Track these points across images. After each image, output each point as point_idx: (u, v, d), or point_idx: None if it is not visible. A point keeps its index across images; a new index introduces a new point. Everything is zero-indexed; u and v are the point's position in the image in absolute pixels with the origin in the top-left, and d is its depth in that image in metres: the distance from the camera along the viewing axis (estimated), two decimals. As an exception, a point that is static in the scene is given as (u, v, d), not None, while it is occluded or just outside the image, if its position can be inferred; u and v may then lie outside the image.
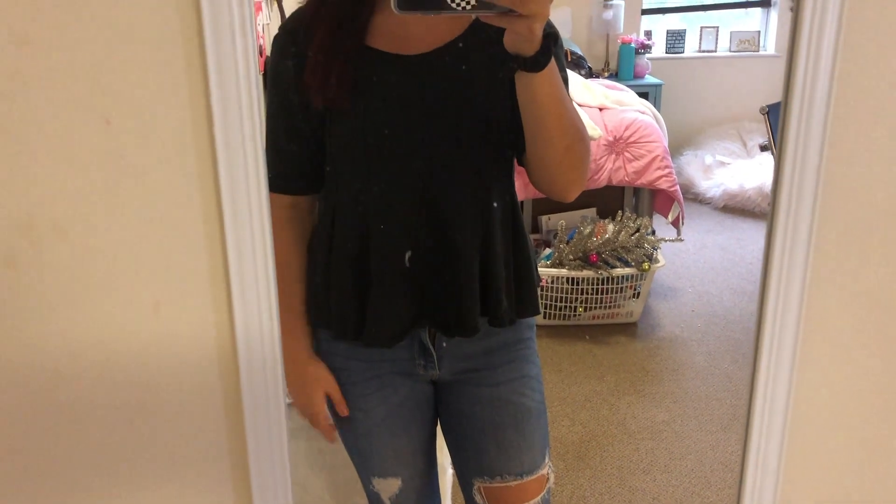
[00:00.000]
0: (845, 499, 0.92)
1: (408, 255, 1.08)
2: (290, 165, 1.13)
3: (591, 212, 3.12)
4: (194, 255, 0.80)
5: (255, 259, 0.81)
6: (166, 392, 0.84)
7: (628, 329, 2.91)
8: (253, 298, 0.82)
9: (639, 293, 2.86)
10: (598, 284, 2.81)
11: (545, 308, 2.84)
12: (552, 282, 2.81)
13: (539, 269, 2.55)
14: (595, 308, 2.87)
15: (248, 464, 0.87)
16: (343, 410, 1.18)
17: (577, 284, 2.82)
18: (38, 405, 0.82)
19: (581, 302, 2.85)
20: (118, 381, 0.83)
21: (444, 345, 1.16)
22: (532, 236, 3.17)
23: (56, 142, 0.76)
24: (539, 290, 2.83)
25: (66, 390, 0.82)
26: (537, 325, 1.24)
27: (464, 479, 1.24)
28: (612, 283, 2.81)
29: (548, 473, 1.22)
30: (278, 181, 1.12)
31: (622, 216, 2.84)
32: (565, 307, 2.85)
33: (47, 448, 0.84)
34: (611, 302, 2.86)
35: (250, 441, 0.87)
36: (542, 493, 1.21)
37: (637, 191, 3.21)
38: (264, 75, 1.18)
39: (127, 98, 0.76)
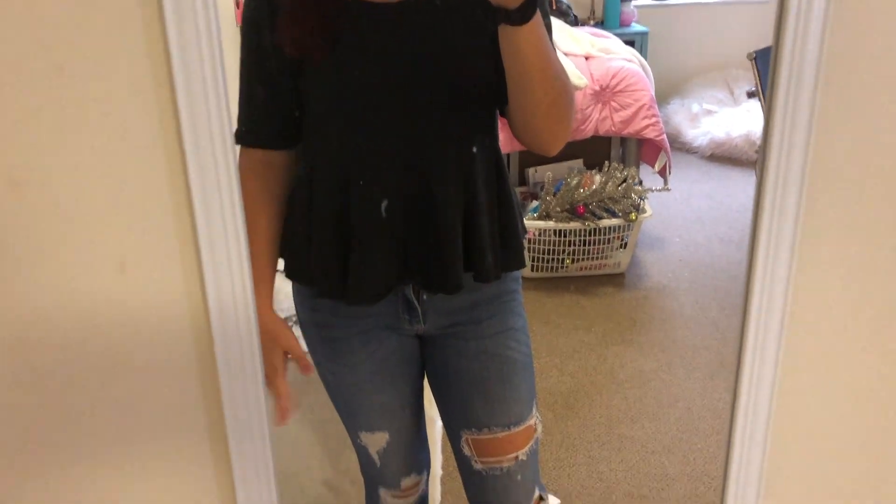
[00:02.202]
0: (835, 444, 0.93)
1: (384, 204, 1.06)
2: (261, 115, 1.09)
3: (578, 163, 3.10)
4: (159, 211, 0.77)
5: (223, 212, 0.78)
6: (138, 356, 0.82)
7: (616, 280, 2.91)
8: (223, 255, 0.80)
9: (626, 244, 2.86)
10: (585, 236, 2.80)
11: (533, 261, 2.83)
12: (539, 234, 2.80)
13: (526, 221, 2.54)
14: (582, 259, 2.87)
15: (227, 433, 0.86)
16: (306, 368, 1.16)
17: (565, 236, 2.81)
18: (2, 369, 0.80)
19: (568, 254, 2.84)
20: (87, 343, 0.81)
21: (429, 300, 1.15)
22: (518, 189, 3.15)
23: (7, 91, 0.72)
24: (526, 242, 2.82)
25: (33, 353, 0.80)
26: (524, 279, 1.23)
27: (451, 431, 1.24)
28: (600, 235, 2.80)
29: (535, 424, 1.22)
30: (250, 135, 1.09)
31: (609, 167, 2.82)
32: (552, 259, 2.85)
33: (17, 411, 0.83)
34: (598, 253, 2.86)
35: (227, 410, 0.85)
36: (529, 444, 1.21)
37: (624, 141, 3.19)
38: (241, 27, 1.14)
39: (81, 44, 0.72)
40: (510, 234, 1.13)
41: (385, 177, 1.06)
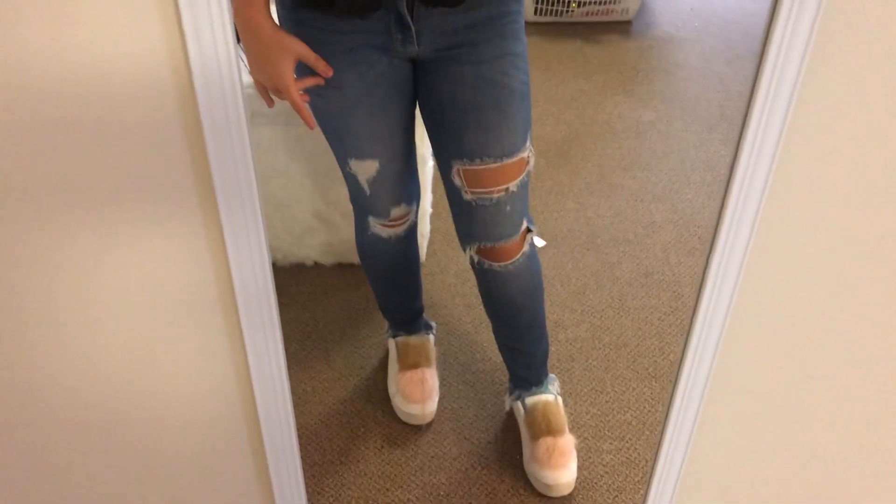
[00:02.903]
0: (836, 202, 0.90)
1: None
2: None
3: None
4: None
5: None
6: (121, 118, 0.77)
7: (622, 27, 2.78)
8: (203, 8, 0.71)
9: (637, -12, 2.69)
10: (594, -23, 2.63)
11: (536, 2, 2.68)
12: (546, -27, 2.62)
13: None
14: (590, 3, 2.72)
15: (215, 191, 0.82)
16: (323, 69, 1.10)
17: (572, -24, 2.63)
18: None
19: (575, -4, 2.69)
20: (70, 106, 0.75)
21: (424, 17, 1.07)
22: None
23: None
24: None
25: (34, 100, 0.75)
26: (528, 23, 1.15)
27: (442, 162, 1.22)
28: (610, -24, 2.63)
29: (528, 157, 1.19)
30: None
31: None
32: (558, 2, 2.69)
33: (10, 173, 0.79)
34: (606, -3, 2.70)
35: (213, 162, 0.80)
36: (521, 176, 1.19)
37: None
38: None
39: None
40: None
41: None
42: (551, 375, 1.53)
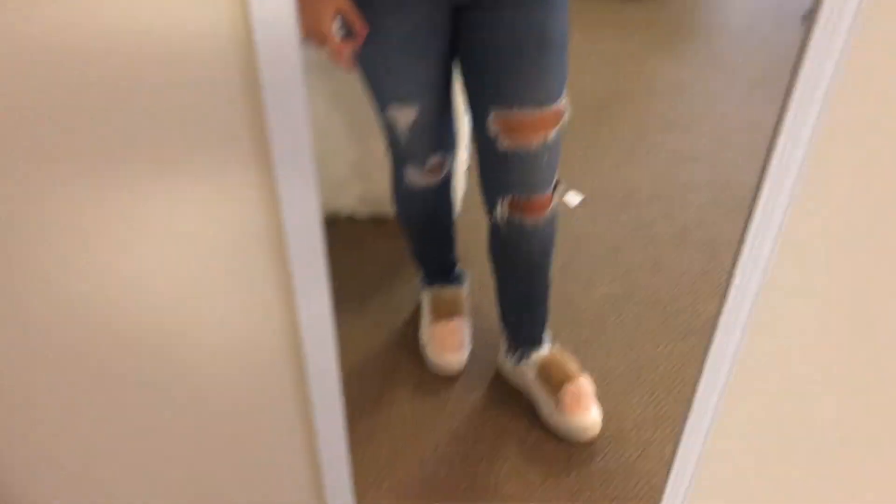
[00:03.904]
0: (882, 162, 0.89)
1: None
2: None
3: None
4: None
5: None
6: (177, 61, 0.78)
7: (666, -15, 2.73)
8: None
9: (682, -55, 2.64)
10: (639, -68, 2.58)
11: (579, -42, 2.63)
12: (589, -72, 2.57)
13: None
14: (633, -40, 2.67)
15: (269, 138, 0.83)
16: (359, 27, 1.11)
17: (617, -68, 2.59)
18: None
19: (618, -48, 2.64)
20: (123, 58, 0.76)
21: None
22: None
23: None
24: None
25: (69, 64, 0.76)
26: None
27: (478, 110, 1.22)
28: (655, -68, 2.58)
29: (564, 109, 1.19)
30: None
31: None
32: (601, -42, 2.65)
33: (54, 119, 0.80)
34: (651, -46, 2.65)
35: (270, 113, 0.81)
36: (556, 127, 1.19)
37: None
38: None
39: None
40: None
41: None
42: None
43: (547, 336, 1.52)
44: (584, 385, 1.46)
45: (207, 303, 0.99)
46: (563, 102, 1.18)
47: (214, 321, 1.01)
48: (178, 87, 0.81)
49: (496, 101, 1.17)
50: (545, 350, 1.50)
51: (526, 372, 1.50)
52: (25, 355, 1.03)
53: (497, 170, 1.26)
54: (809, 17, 0.78)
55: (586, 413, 1.43)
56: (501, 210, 1.29)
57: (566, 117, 1.20)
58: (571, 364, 1.48)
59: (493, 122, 1.19)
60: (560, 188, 1.29)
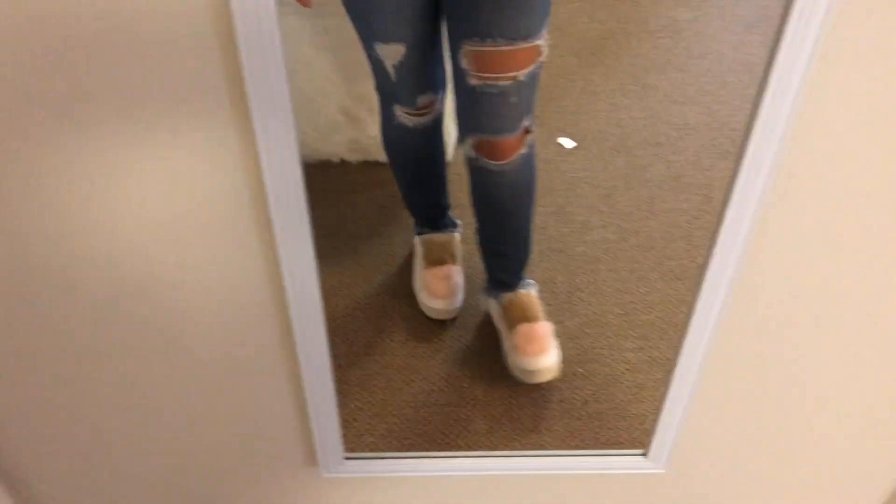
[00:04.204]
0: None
1: None
2: None
3: None
4: None
5: None
6: (147, 16, 0.75)
7: (662, -79, 2.65)
8: None
9: None
10: None
11: None
12: None
13: None
14: None
15: (245, 86, 0.80)
16: None
17: None
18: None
19: None
20: (93, 12, 0.73)
21: None
22: None
23: None
24: None
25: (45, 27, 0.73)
26: None
27: (453, 44, 1.18)
28: None
29: (542, 47, 1.15)
30: None
31: None
32: None
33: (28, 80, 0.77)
34: None
35: (245, 60, 0.79)
36: (532, 66, 1.15)
37: None
38: None
39: None
40: None
41: None
42: (529, 280, 1.52)
43: (524, 284, 1.50)
44: (539, 327, 1.44)
45: (189, 253, 0.97)
46: (542, 40, 1.15)
47: (196, 271, 1.00)
48: (151, 36, 0.78)
49: (469, 33, 1.13)
50: (517, 291, 1.48)
51: (493, 307, 1.51)
52: (6, 306, 1.02)
53: (465, 107, 1.23)
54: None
55: (536, 356, 1.42)
56: (468, 150, 1.26)
57: (544, 56, 1.17)
58: (534, 307, 1.47)
59: (464, 56, 1.15)
60: (532, 133, 1.25)
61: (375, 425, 1.43)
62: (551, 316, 1.58)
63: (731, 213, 0.97)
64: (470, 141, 1.23)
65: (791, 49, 0.84)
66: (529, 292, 1.48)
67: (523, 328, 1.44)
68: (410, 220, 1.69)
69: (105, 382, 1.12)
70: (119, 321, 1.04)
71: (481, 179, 1.29)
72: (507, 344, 1.48)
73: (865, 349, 1.08)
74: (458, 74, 1.18)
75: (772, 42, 0.84)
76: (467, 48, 1.15)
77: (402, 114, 1.33)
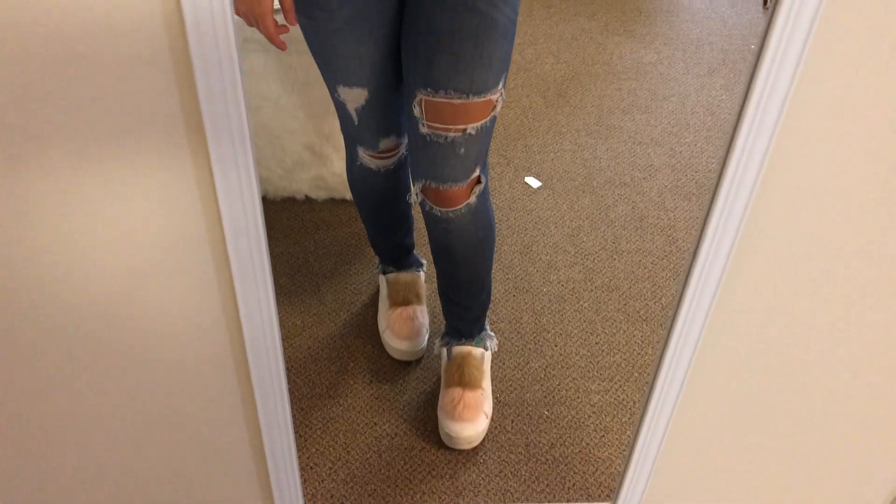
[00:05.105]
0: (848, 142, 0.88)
1: None
2: None
3: None
4: None
5: None
6: (103, 40, 0.73)
7: (626, -34, 2.71)
8: None
9: (643, -75, 2.61)
10: (600, -89, 2.55)
11: (540, -63, 2.60)
12: None
13: None
14: (594, -60, 2.64)
15: (203, 119, 0.79)
16: (291, 20, 1.07)
17: (578, -90, 2.55)
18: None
19: (579, -69, 2.61)
20: (47, 32, 0.71)
21: None
22: None
23: None
24: None
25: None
26: None
27: (409, 92, 1.16)
28: (616, -89, 2.55)
29: (497, 100, 1.14)
30: None
31: None
32: (561, -63, 2.62)
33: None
34: (611, -67, 2.62)
35: (202, 92, 0.77)
36: (484, 120, 1.14)
37: None
38: None
39: None
40: None
41: None
42: (489, 332, 1.50)
43: (482, 337, 1.48)
44: (471, 397, 1.42)
45: (144, 293, 0.95)
46: (498, 94, 1.13)
47: (152, 310, 0.97)
48: (108, 65, 0.76)
49: (424, 83, 1.12)
50: (465, 346, 1.47)
51: (442, 356, 1.50)
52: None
53: (416, 153, 1.20)
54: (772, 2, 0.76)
55: (461, 424, 1.40)
56: (418, 195, 1.24)
57: (498, 109, 1.15)
58: (475, 372, 1.44)
59: (416, 104, 1.14)
60: (482, 184, 1.23)
61: (337, 470, 1.40)
62: (517, 357, 1.56)
63: (702, 256, 0.97)
64: (418, 185, 1.21)
65: (760, 99, 0.84)
66: (480, 352, 1.46)
67: (456, 393, 1.42)
68: (375, 259, 1.67)
69: (61, 423, 1.08)
70: (73, 363, 1.00)
71: (432, 225, 1.27)
72: (440, 401, 1.47)
73: (841, 392, 1.09)
74: (412, 121, 1.17)
75: (738, 88, 0.85)
76: (421, 96, 1.13)
77: (365, 156, 1.31)
